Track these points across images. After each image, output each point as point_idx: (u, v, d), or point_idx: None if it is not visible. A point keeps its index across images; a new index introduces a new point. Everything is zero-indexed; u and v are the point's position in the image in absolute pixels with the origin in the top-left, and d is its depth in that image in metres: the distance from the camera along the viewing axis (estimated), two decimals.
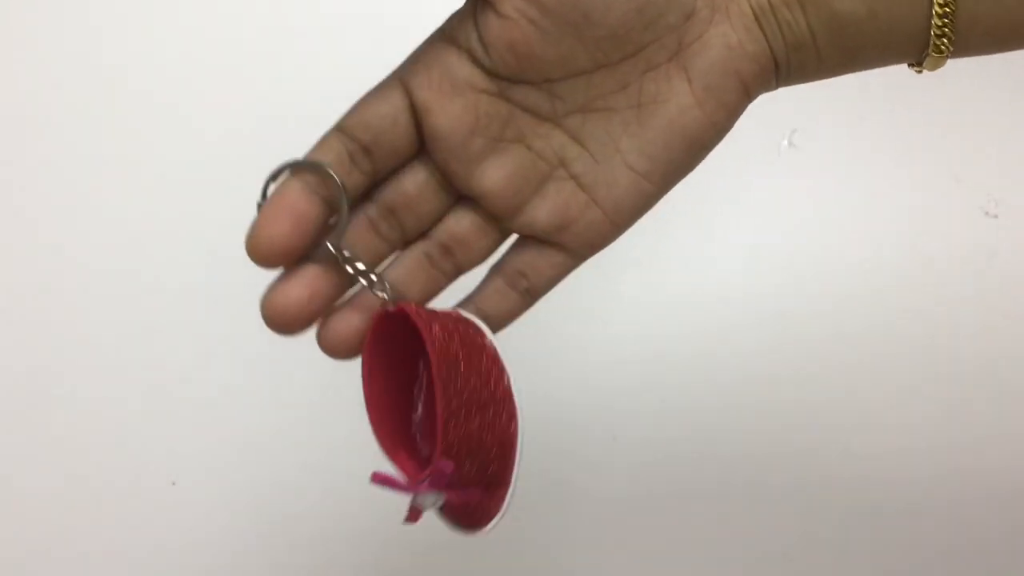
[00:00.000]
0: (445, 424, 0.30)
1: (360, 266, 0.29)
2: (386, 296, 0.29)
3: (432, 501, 0.33)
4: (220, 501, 0.56)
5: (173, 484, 0.56)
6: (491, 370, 0.32)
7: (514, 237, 0.31)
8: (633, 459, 0.56)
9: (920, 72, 0.32)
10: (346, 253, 0.28)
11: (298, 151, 0.31)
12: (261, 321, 0.60)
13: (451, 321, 0.30)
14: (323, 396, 0.58)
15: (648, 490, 0.56)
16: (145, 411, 0.58)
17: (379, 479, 0.32)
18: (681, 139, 0.29)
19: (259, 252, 0.28)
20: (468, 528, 0.34)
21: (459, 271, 0.31)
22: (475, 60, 0.28)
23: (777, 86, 0.30)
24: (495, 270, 0.31)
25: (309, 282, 0.29)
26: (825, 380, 0.59)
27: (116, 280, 0.61)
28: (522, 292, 0.31)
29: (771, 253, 0.62)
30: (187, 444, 0.57)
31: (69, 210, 0.63)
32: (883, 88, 0.67)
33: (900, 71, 0.64)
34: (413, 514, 0.33)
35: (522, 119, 0.29)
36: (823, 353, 0.59)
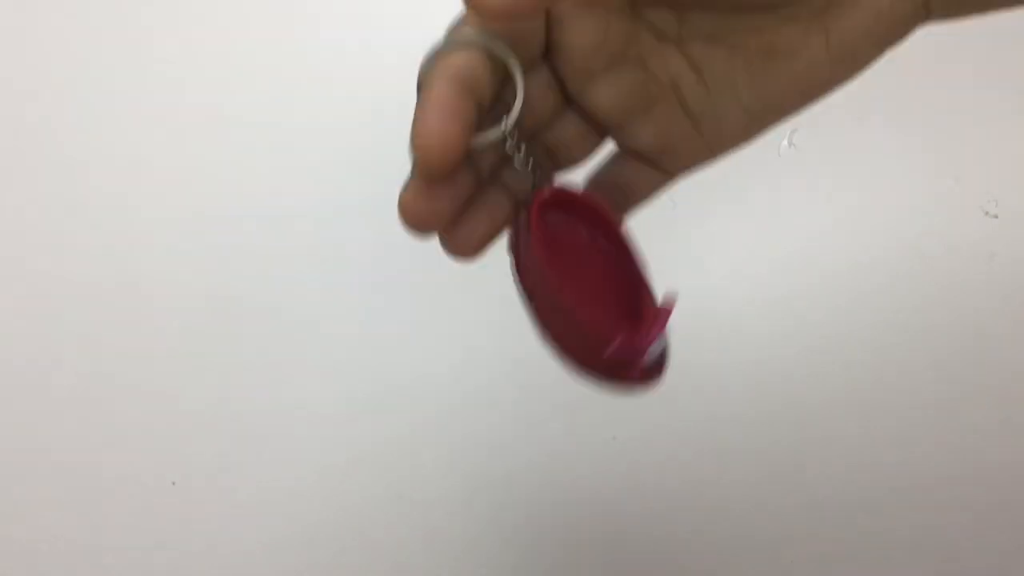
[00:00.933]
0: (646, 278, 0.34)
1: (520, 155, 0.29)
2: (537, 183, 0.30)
3: (660, 347, 0.35)
4: (220, 501, 0.56)
5: (173, 484, 0.56)
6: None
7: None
8: (632, 458, 0.57)
9: None
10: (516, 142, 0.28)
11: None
12: (260, 322, 0.60)
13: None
14: (323, 397, 0.58)
15: (648, 490, 0.56)
16: (147, 411, 0.58)
17: (619, 348, 0.33)
18: (802, 92, 0.29)
19: (431, 155, 0.25)
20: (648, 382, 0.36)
21: (557, 171, 0.32)
22: None
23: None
24: (593, 182, 0.32)
25: (453, 188, 0.27)
26: (823, 380, 0.59)
27: (117, 281, 0.61)
28: (616, 205, 0.32)
29: (770, 253, 0.62)
30: (188, 445, 0.57)
31: (63, 211, 0.64)
32: (884, 87, 0.67)
33: (901, 70, 0.65)
34: (644, 372, 0.35)
35: (645, 39, 0.29)
36: (821, 352, 0.59)
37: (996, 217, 0.63)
